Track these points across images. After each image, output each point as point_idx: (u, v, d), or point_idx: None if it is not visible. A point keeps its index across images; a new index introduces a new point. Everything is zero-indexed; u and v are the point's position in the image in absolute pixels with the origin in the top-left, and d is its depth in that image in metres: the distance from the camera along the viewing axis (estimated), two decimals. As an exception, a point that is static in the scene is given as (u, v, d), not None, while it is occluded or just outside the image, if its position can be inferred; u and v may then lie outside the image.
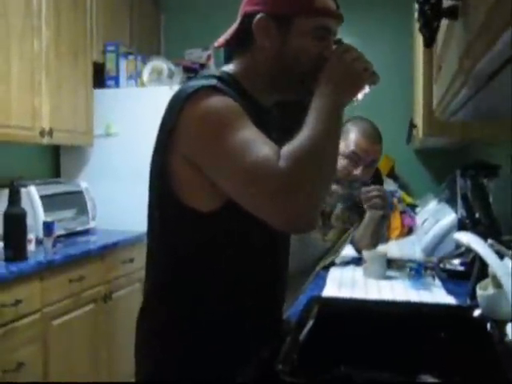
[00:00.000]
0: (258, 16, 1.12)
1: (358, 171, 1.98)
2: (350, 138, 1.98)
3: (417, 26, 2.21)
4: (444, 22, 0.55)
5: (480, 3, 0.41)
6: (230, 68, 1.21)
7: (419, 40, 2.19)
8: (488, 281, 1.51)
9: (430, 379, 0.96)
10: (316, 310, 1.60)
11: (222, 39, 1.23)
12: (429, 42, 0.55)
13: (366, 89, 1.09)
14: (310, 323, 1.52)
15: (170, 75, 3.45)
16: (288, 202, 0.95)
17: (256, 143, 1.00)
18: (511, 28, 0.32)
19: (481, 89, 0.48)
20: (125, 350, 3.09)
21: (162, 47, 4.27)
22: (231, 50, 1.23)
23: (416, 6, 0.52)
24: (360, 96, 1.09)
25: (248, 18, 1.14)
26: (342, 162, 1.96)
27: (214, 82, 1.09)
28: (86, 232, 3.20)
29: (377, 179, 2.22)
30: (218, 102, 1.05)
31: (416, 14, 0.57)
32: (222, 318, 1.17)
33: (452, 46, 0.55)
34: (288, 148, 0.99)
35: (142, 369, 1.24)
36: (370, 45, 3.84)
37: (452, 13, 0.48)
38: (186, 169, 1.08)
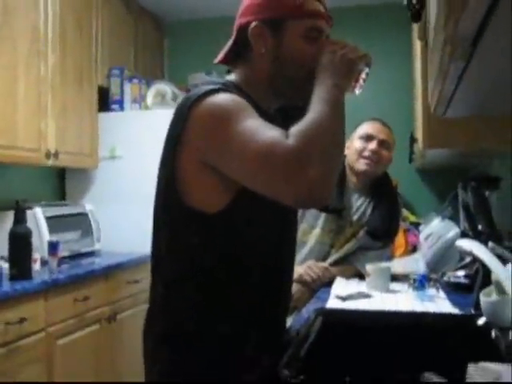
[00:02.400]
0: (253, 24, 1.17)
1: (373, 145, 2.19)
2: (362, 126, 2.26)
3: (416, 46, 2.24)
4: (432, 13, 0.58)
5: None
6: (231, 78, 1.25)
7: (417, 55, 2.23)
8: (491, 288, 1.51)
9: (435, 378, 0.96)
10: (320, 321, 1.61)
11: (221, 55, 1.28)
12: (416, 17, 0.58)
13: (363, 74, 1.13)
14: (314, 333, 1.52)
15: (174, 98, 3.50)
16: (300, 176, 0.97)
17: (263, 128, 1.04)
18: None
19: (467, 63, 0.50)
20: (129, 371, 3.09)
21: (166, 71, 4.35)
22: (230, 63, 1.27)
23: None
24: (360, 85, 1.13)
25: (243, 29, 1.20)
26: (357, 144, 2.21)
27: (218, 86, 1.13)
28: (90, 254, 3.21)
29: (388, 193, 2.29)
30: (223, 97, 1.09)
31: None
32: (227, 321, 1.18)
33: (439, 33, 0.58)
34: (295, 128, 1.02)
35: (152, 375, 1.25)
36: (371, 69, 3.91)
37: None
38: (194, 170, 1.10)
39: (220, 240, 1.16)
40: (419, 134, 1.85)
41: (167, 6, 4.05)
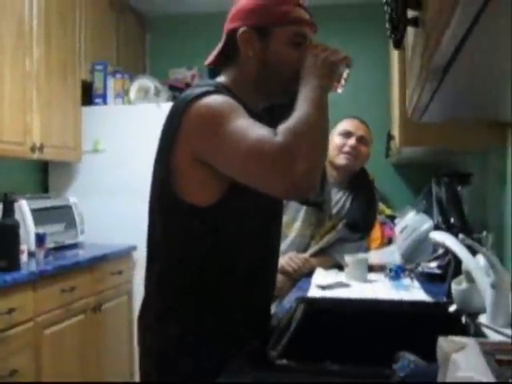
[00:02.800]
0: (241, 30, 1.26)
1: (352, 141, 2.31)
2: (341, 123, 2.38)
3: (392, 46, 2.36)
4: (410, 33, 0.67)
5: (430, 12, 0.52)
6: (221, 79, 1.33)
7: (395, 57, 2.33)
8: (462, 277, 1.62)
9: (410, 355, 1.06)
10: (302, 309, 1.71)
11: (210, 58, 1.36)
12: (397, 44, 0.67)
13: (345, 74, 1.23)
14: (296, 321, 1.62)
15: (157, 93, 3.55)
16: (287, 169, 1.06)
17: (253, 127, 1.12)
18: (451, 27, 0.43)
19: (440, 82, 0.59)
20: (113, 359, 3.16)
21: (148, 66, 4.39)
22: (219, 65, 1.35)
23: (386, 16, 0.63)
24: (342, 85, 1.23)
25: (232, 34, 1.29)
26: (337, 140, 2.33)
27: (211, 88, 1.21)
28: (74, 246, 3.26)
29: (365, 186, 2.40)
30: (216, 99, 1.18)
31: (385, 11, 0.68)
32: (214, 307, 1.27)
33: (416, 51, 0.66)
34: (282, 126, 1.11)
35: (145, 358, 1.32)
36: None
37: (414, 21, 0.60)
38: (188, 166, 1.19)
39: (211, 232, 1.25)
40: (396, 132, 1.96)
41: (149, 1, 4.09)
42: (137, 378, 3.40)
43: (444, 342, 0.66)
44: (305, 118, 1.12)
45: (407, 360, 1.06)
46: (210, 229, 1.24)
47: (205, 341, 1.26)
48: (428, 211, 2.74)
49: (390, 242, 3.27)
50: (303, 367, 1.25)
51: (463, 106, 0.84)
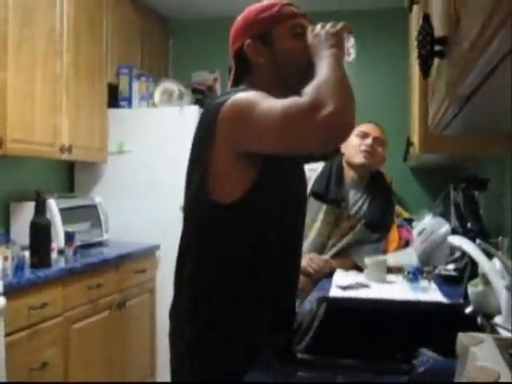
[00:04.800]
0: (246, 43, 1.36)
1: (368, 141, 2.40)
2: (358, 127, 2.42)
3: (413, 55, 2.41)
4: (436, 60, 0.74)
5: (457, 50, 0.59)
6: (243, 88, 1.41)
7: (415, 69, 2.40)
8: (478, 279, 1.69)
9: (429, 352, 1.13)
10: (324, 308, 1.78)
11: (230, 83, 1.46)
12: (425, 75, 0.74)
13: (350, 42, 1.30)
14: (319, 319, 1.70)
15: (181, 96, 3.65)
16: (318, 116, 1.10)
17: (281, 100, 1.19)
18: (478, 66, 0.50)
19: (462, 107, 0.67)
20: (136, 354, 3.26)
21: (170, 70, 4.49)
22: (239, 83, 1.43)
23: (415, 48, 0.70)
24: (350, 53, 1.30)
25: (239, 52, 1.39)
26: (354, 141, 2.41)
27: (239, 90, 1.31)
28: (99, 244, 3.37)
29: (381, 187, 2.47)
30: (244, 93, 1.26)
31: (415, 46, 0.75)
32: (242, 305, 1.35)
33: (441, 77, 0.73)
34: (305, 89, 1.18)
35: (176, 353, 1.41)
36: (368, 71, 4.09)
37: (441, 54, 0.67)
38: (224, 161, 1.26)
39: (234, 231, 1.32)
40: (416, 140, 2.03)
41: (172, 5, 4.19)
42: (158, 372, 3.50)
43: (463, 337, 0.74)
44: (326, 77, 1.18)
45: (426, 356, 1.13)
46: (233, 227, 1.32)
47: (233, 334, 1.34)
48: (445, 215, 2.80)
49: (407, 244, 3.33)
50: (327, 362, 1.33)
51: (483, 123, 0.91)
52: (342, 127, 1.14)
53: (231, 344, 1.33)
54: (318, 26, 1.33)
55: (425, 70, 0.71)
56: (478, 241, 1.48)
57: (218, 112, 1.25)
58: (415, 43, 0.71)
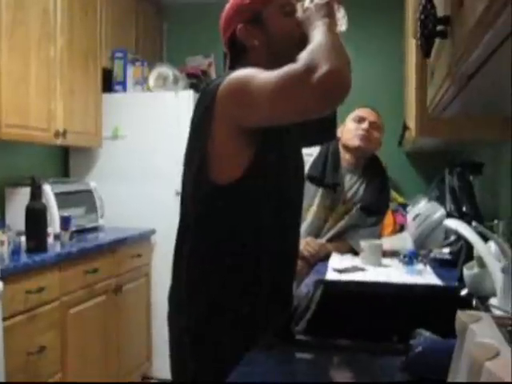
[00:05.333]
0: (238, 28, 1.37)
1: (364, 125, 2.43)
2: (354, 112, 2.50)
3: (409, 38, 2.41)
4: (436, 41, 0.74)
5: (461, 30, 0.59)
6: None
7: (411, 52, 2.40)
8: (473, 262, 1.71)
9: (426, 332, 1.15)
10: (321, 291, 1.80)
11: (226, 68, 1.47)
12: (427, 55, 0.75)
13: (340, 13, 1.32)
14: (316, 302, 1.71)
15: (175, 81, 3.63)
16: (314, 76, 1.10)
17: (277, 70, 1.19)
18: (480, 46, 0.50)
19: (463, 87, 0.67)
20: (132, 338, 3.28)
21: (165, 54, 4.46)
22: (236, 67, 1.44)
23: (418, 27, 0.71)
24: (342, 23, 1.31)
25: (232, 39, 1.40)
26: (350, 125, 2.46)
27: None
28: (95, 229, 3.37)
29: (376, 169, 2.49)
30: (240, 70, 1.27)
31: (416, 26, 0.75)
32: (240, 286, 1.36)
33: (442, 57, 0.74)
34: (299, 55, 1.18)
35: (174, 333, 1.42)
36: (362, 55, 4.08)
37: (443, 33, 0.68)
38: (223, 139, 1.27)
39: (233, 211, 1.33)
40: (412, 124, 2.03)
41: (167, -11, 4.16)
42: (154, 355, 3.52)
43: (462, 315, 0.75)
44: (319, 41, 1.19)
45: (423, 336, 1.15)
46: (231, 209, 1.33)
47: (231, 316, 1.35)
48: (440, 199, 2.82)
49: (401, 229, 3.35)
50: (324, 343, 1.34)
51: (482, 105, 0.92)
52: (340, 85, 1.13)
53: (230, 325, 1.35)
54: (307, 1, 1.34)
55: (426, 51, 0.72)
56: (474, 223, 1.49)
57: (216, 92, 1.26)
58: (418, 23, 0.71)
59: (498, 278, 1.51)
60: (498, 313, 1.47)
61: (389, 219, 3.37)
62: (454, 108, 0.89)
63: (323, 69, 1.10)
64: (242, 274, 1.37)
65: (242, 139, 1.27)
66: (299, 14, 1.35)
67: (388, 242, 2.86)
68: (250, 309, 1.37)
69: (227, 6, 1.43)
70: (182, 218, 1.42)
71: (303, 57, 1.16)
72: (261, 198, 1.34)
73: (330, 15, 1.29)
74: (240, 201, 1.33)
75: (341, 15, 1.33)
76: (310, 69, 1.11)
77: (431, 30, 0.66)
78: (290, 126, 1.39)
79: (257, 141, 1.28)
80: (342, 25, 1.34)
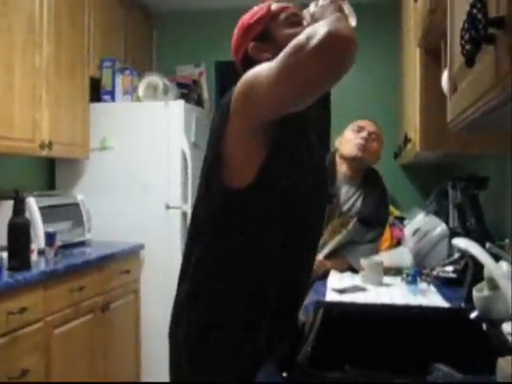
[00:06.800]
0: (250, 46, 1.38)
1: (363, 134, 2.39)
2: (353, 123, 2.46)
3: (408, 48, 2.33)
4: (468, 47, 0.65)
5: None
6: None
7: (412, 62, 2.32)
8: (483, 284, 1.62)
9: (444, 367, 1.05)
10: (321, 314, 1.70)
11: None
12: (471, 62, 0.65)
13: (346, 8, 1.25)
14: (317, 326, 1.61)
15: (165, 91, 3.53)
16: (319, 39, 1.04)
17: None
18: None
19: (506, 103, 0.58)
20: (120, 358, 3.15)
21: (154, 63, 4.36)
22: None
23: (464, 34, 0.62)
24: (351, 17, 1.23)
25: (245, 58, 1.39)
26: (349, 134, 2.42)
27: None
28: (82, 244, 3.25)
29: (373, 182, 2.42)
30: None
31: (461, 28, 0.66)
32: (243, 296, 1.28)
33: (481, 67, 0.65)
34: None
35: (176, 342, 1.34)
36: (355, 65, 4.00)
37: (491, 39, 0.58)
38: (234, 143, 1.22)
39: (243, 217, 1.27)
40: (416, 136, 1.94)
41: (156, -3, 4.07)
42: (143, 377, 3.40)
43: (503, 362, 0.65)
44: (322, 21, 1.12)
45: (442, 371, 1.05)
46: (242, 214, 1.26)
47: (229, 326, 1.28)
48: (439, 214, 2.73)
49: (399, 243, 3.26)
50: (332, 376, 1.24)
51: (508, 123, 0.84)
52: (342, 43, 1.05)
53: (228, 336, 1.27)
54: (312, 5, 1.33)
55: (471, 58, 0.62)
56: (488, 244, 1.40)
57: (231, 98, 1.23)
58: (464, 25, 0.62)
59: (513, 302, 1.41)
60: (514, 340, 1.37)
61: (386, 233, 3.28)
62: (483, 124, 0.80)
63: (321, 32, 1.05)
64: (247, 282, 1.29)
65: (255, 140, 1.22)
66: (307, 20, 1.32)
67: (387, 258, 2.77)
68: (250, 323, 1.29)
69: (236, 29, 1.44)
70: (193, 223, 1.37)
71: (304, 32, 1.11)
72: (271, 206, 1.26)
73: (339, 11, 1.25)
74: (253, 206, 1.26)
75: (348, 11, 1.26)
76: (310, 36, 1.06)
77: (482, 32, 0.57)
78: (311, 135, 1.36)
79: (269, 140, 1.23)
80: (352, 20, 1.27)
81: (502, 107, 0.63)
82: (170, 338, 1.37)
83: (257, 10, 1.41)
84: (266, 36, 1.38)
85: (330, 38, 1.04)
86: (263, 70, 1.16)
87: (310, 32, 1.07)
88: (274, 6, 1.40)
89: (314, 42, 1.04)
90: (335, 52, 1.05)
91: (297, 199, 1.30)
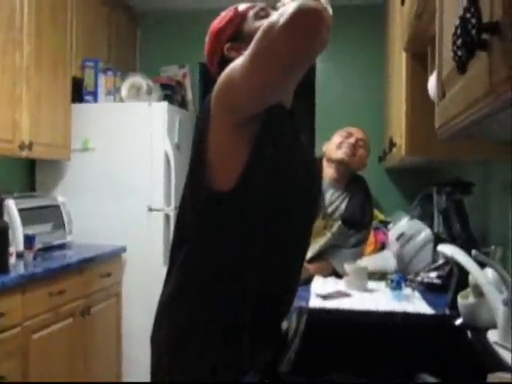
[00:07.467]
0: (225, 48, 1.38)
1: (351, 140, 2.42)
2: (342, 129, 2.49)
3: (391, 53, 2.31)
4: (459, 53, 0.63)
5: None
6: None
7: (397, 67, 2.31)
8: (468, 291, 1.60)
9: (430, 378, 1.03)
10: (305, 320, 1.67)
11: None
12: (463, 69, 0.63)
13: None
14: (301, 333, 1.59)
15: (149, 92, 3.49)
16: (289, 16, 1.03)
17: None
18: None
19: (504, 109, 0.56)
20: (101, 362, 3.10)
21: (138, 64, 4.31)
22: None
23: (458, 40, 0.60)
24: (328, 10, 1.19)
25: (222, 60, 1.38)
26: (337, 139, 2.44)
27: None
28: (62, 246, 3.19)
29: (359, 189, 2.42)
30: None
31: (453, 34, 0.64)
32: (225, 300, 1.24)
33: (474, 73, 0.63)
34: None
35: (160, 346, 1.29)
36: (341, 70, 4.00)
37: (484, 44, 0.56)
38: (215, 141, 1.20)
39: (229, 221, 1.23)
40: (402, 141, 1.93)
41: (140, -3, 4.02)
42: (124, 380, 3.35)
43: (493, 379, 0.63)
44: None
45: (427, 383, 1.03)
46: (226, 217, 1.23)
47: (211, 330, 1.24)
48: (423, 218, 2.73)
49: (382, 247, 3.25)
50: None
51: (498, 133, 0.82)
52: (312, 16, 1.04)
53: (210, 340, 1.23)
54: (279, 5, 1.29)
55: (463, 65, 0.60)
56: (474, 252, 1.38)
57: (211, 96, 1.21)
58: (456, 30, 0.60)
59: (498, 310, 1.40)
60: (499, 349, 1.36)
61: (370, 237, 3.27)
62: (472, 132, 0.79)
63: (290, 9, 1.04)
64: (229, 293, 1.25)
65: (237, 138, 1.19)
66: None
67: (371, 262, 2.76)
68: (233, 332, 1.24)
69: (208, 36, 1.44)
70: (177, 227, 1.33)
71: (274, 13, 1.12)
72: (256, 210, 1.22)
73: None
74: (237, 209, 1.22)
75: (324, 1, 1.23)
76: (279, 16, 1.05)
77: (476, 38, 0.55)
78: (300, 127, 1.35)
79: (253, 138, 1.19)
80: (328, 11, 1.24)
81: (494, 115, 0.61)
82: (152, 342, 1.34)
83: (225, 14, 1.43)
84: (239, 36, 1.38)
85: (299, 12, 1.03)
86: (238, 60, 1.15)
87: (280, 12, 1.07)
88: (241, 7, 1.42)
89: (283, 18, 1.04)
90: (306, 25, 1.04)
91: (284, 203, 1.27)
